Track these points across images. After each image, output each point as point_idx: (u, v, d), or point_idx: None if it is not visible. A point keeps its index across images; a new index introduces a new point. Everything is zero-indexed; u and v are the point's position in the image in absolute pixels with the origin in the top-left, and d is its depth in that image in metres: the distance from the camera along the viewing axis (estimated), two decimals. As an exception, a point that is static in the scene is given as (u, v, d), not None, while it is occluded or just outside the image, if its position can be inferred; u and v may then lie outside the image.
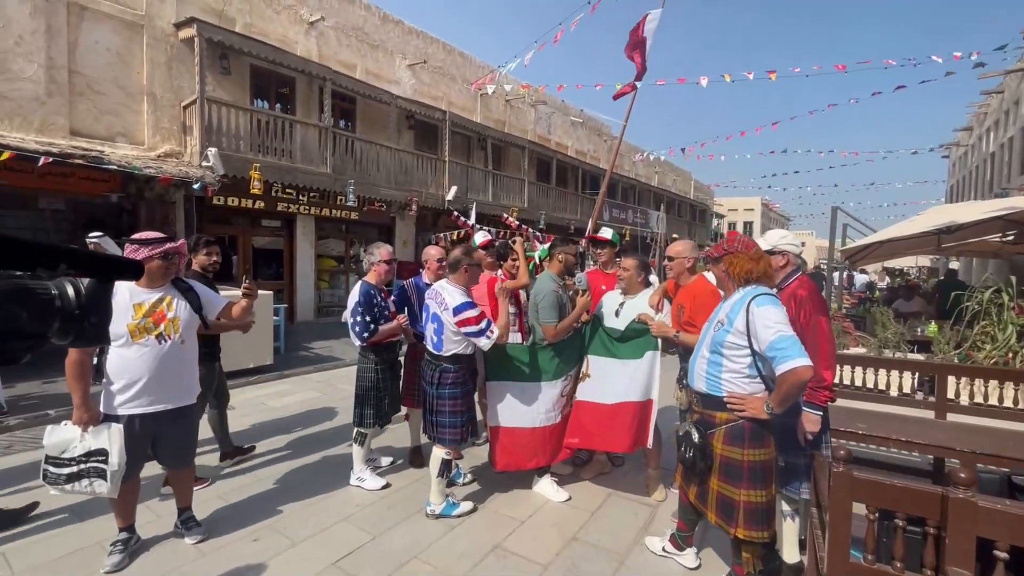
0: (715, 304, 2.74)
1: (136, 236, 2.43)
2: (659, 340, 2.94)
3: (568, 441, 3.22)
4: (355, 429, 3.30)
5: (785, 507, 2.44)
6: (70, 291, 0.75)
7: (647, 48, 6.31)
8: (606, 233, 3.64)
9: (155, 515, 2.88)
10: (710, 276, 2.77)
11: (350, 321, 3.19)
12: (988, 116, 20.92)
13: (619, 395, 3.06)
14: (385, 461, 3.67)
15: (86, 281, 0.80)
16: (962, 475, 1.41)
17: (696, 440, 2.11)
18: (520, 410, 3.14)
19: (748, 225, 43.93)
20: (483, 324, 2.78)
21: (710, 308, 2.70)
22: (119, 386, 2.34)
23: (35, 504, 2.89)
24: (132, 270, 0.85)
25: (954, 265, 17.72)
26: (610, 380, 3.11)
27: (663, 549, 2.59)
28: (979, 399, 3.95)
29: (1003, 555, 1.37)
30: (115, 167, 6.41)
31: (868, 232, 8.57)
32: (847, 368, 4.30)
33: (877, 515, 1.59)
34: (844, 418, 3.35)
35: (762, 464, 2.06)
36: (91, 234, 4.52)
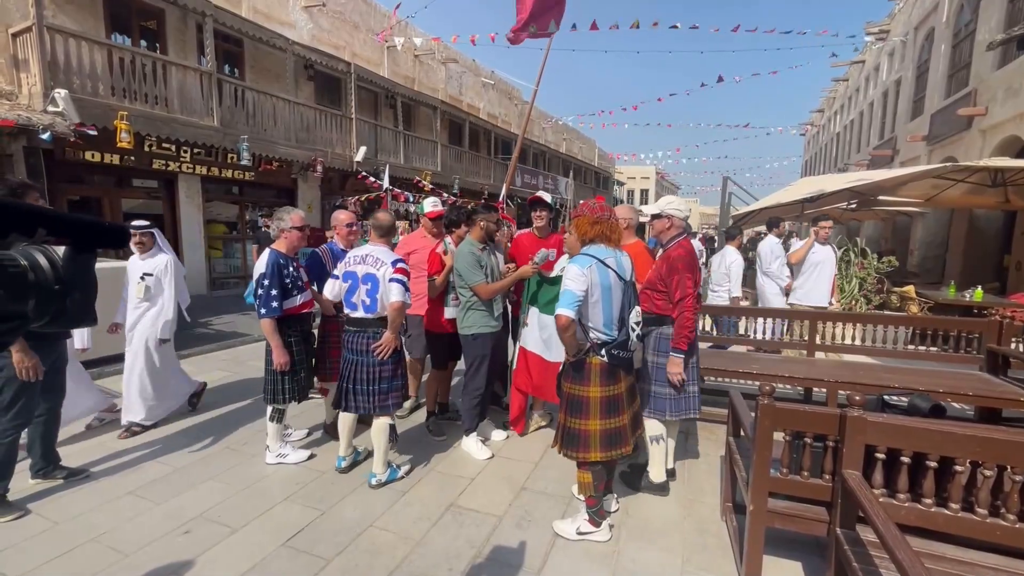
0: (651, 264, 2.98)
1: None
2: None
3: (521, 388, 3.47)
4: (270, 407, 3.13)
5: (651, 433, 2.78)
6: (43, 262, 0.62)
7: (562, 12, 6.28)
8: (545, 196, 3.70)
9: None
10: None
11: (252, 292, 2.95)
12: (836, 100, 24.39)
13: (557, 355, 3.21)
14: (299, 434, 3.57)
15: (61, 250, 0.67)
16: (857, 398, 1.75)
17: None
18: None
19: (644, 192, 47.04)
20: (407, 282, 2.83)
21: (646, 267, 2.94)
22: None
23: None
24: (117, 237, 0.72)
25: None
26: (547, 336, 3.30)
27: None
28: (839, 340, 4.85)
29: (881, 456, 1.75)
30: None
31: (750, 199, 9.75)
32: (743, 318, 5.02)
33: (791, 437, 1.92)
34: (741, 361, 3.92)
35: (574, 397, 2.33)
36: None
